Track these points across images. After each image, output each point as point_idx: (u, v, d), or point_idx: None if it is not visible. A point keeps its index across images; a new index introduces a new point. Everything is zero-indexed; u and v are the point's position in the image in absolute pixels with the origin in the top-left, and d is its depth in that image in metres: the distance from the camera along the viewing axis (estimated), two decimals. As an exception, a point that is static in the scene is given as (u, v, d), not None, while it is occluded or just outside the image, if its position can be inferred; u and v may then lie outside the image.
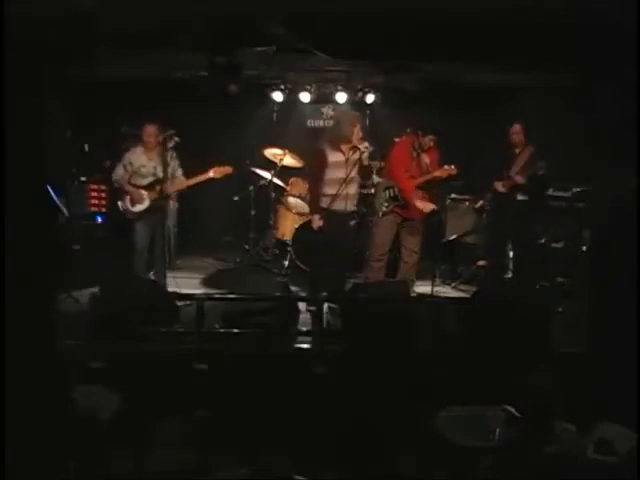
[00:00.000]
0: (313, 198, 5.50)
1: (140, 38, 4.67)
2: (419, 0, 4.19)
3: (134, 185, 5.64)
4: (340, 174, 5.24)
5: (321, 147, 5.37)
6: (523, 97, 6.79)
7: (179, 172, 5.72)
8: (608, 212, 4.07)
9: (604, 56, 4.05)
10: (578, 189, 5.81)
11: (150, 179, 5.65)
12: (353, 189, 5.41)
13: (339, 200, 5.26)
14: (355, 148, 5.25)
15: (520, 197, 5.82)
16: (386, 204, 5.65)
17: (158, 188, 5.63)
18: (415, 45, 4.76)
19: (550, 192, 6.02)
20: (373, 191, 6.36)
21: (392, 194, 5.63)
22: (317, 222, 5.31)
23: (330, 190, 5.27)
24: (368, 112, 7.74)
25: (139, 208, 5.65)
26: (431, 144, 5.55)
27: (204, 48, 5.05)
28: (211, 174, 5.63)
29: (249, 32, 4.74)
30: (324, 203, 5.31)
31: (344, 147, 5.27)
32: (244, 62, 5.30)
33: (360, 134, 5.28)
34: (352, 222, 5.78)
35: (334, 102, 7.78)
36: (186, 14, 4.35)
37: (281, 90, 7.60)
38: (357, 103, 7.71)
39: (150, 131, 5.60)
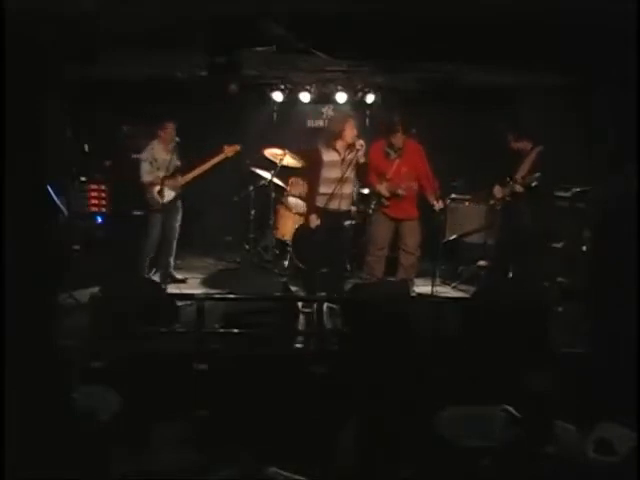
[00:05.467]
0: (309, 198, 5.53)
1: (140, 38, 4.67)
2: (420, 0, 4.19)
3: (161, 178, 5.89)
4: (335, 174, 5.28)
5: (317, 147, 5.43)
6: (523, 97, 6.78)
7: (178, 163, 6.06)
8: (608, 212, 4.07)
9: (604, 56, 4.05)
10: (578, 189, 5.80)
11: (171, 171, 5.94)
12: (348, 189, 5.45)
13: (334, 199, 5.28)
14: (352, 147, 5.27)
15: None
16: (373, 202, 5.75)
17: (180, 177, 6.00)
18: (415, 45, 4.76)
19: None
20: (368, 191, 6.40)
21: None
22: (314, 221, 5.35)
23: (326, 189, 5.30)
24: (368, 112, 7.74)
25: (168, 198, 5.90)
26: (401, 142, 5.51)
27: (204, 48, 5.04)
28: (225, 153, 6.00)
29: (249, 32, 4.74)
30: (320, 202, 5.34)
31: (340, 146, 5.30)
32: (244, 62, 5.30)
33: (354, 132, 5.30)
34: (347, 222, 5.81)
35: (334, 102, 7.78)
36: (186, 14, 4.35)
37: (281, 90, 7.60)
38: (357, 103, 7.71)
39: (169, 127, 5.96)
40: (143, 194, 6.01)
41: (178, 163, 6.04)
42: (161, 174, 5.87)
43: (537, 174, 5.32)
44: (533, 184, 5.34)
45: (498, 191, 5.71)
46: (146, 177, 5.93)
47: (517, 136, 5.57)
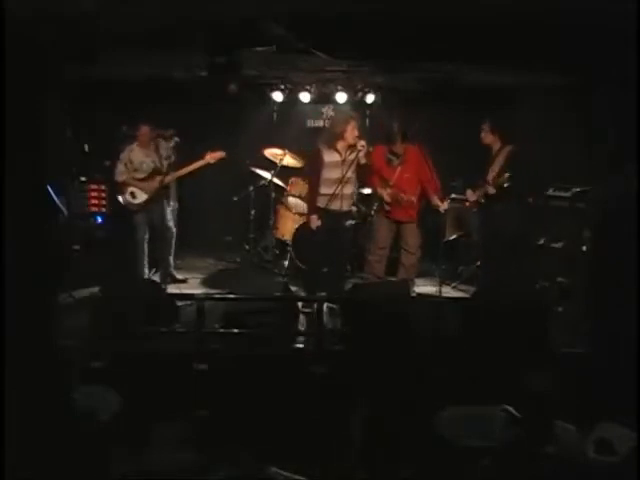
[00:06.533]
0: (310, 198, 5.52)
1: (140, 38, 4.67)
2: (420, 0, 4.19)
3: (136, 179, 5.93)
4: (336, 174, 5.27)
5: (318, 147, 5.42)
6: (524, 97, 6.78)
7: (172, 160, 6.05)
8: (608, 212, 4.07)
9: (604, 56, 4.05)
10: (578, 189, 5.80)
11: (148, 173, 5.92)
12: (349, 189, 5.46)
13: (335, 200, 5.28)
14: (352, 147, 5.27)
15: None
16: (375, 204, 5.75)
17: (158, 179, 5.93)
18: (415, 45, 4.76)
19: (550, 192, 6.00)
20: (368, 191, 6.41)
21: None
22: (315, 222, 5.34)
23: (326, 190, 5.30)
24: (368, 112, 7.74)
25: (140, 200, 5.92)
26: (401, 150, 5.52)
27: (204, 48, 5.04)
28: (206, 159, 5.92)
29: (249, 32, 4.74)
30: (321, 203, 5.34)
31: (341, 147, 5.30)
32: (244, 62, 5.30)
33: (356, 133, 5.30)
34: (349, 222, 5.81)
35: (334, 102, 7.77)
36: (186, 14, 4.35)
37: (281, 90, 7.59)
38: (357, 103, 7.70)
39: (145, 130, 5.96)
40: (117, 195, 6.06)
41: (171, 161, 5.99)
42: (137, 175, 5.93)
43: (507, 174, 5.31)
44: (505, 185, 5.34)
45: (470, 195, 5.73)
46: (118, 177, 5.98)
47: (490, 129, 5.59)
